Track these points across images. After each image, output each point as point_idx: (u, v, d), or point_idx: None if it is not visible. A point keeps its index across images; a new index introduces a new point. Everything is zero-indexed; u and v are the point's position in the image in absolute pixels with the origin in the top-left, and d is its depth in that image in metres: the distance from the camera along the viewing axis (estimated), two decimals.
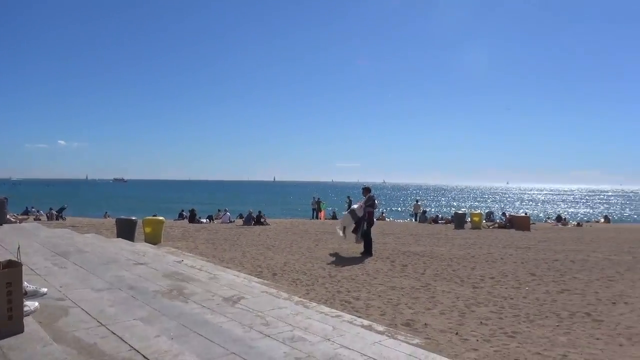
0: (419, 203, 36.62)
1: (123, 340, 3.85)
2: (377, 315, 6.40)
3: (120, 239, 12.43)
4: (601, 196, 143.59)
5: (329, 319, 5.77)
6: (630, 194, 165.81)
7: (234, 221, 25.25)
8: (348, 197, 31.30)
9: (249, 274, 9.07)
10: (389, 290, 8.06)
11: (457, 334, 5.62)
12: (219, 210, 29.89)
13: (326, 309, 6.39)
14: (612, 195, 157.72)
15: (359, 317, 6.15)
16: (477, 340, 5.37)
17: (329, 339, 4.62)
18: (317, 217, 31.01)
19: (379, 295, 7.63)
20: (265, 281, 8.46)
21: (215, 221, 25.90)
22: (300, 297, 7.18)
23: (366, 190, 12.96)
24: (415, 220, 31.86)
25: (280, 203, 73.47)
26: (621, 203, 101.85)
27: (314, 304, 6.71)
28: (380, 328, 5.61)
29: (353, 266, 10.47)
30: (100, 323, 4.28)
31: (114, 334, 4.00)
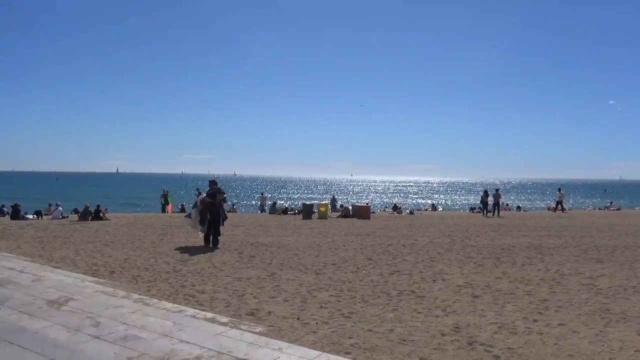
0: (264, 195, 37.27)
1: None
2: (222, 307, 6.34)
3: None
4: (431, 187, 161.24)
5: (171, 315, 5.58)
6: (454, 184, 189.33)
7: (67, 217, 22.85)
8: (197, 189, 30.46)
9: (83, 273, 8.33)
10: (235, 281, 8.05)
11: (298, 319, 5.83)
12: (49, 205, 26.77)
13: (168, 305, 6.17)
14: (439, 185, 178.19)
15: (203, 310, 6.05)
16: (317, 323, 5.64)
17: (167, 335, 4.45)
18: (165, 211, 29.62)
19: (225, 287, 7.57)
20: (102, 280, 7.83)
21: (45, 217, 23.18)
22: (140, 294, 6.80)
23: (212, 182, 13.07)
24: (263, 212, 32.35)
25: (124, 196, 68.54)
26: (447, 192, 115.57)
27: (155, 300, 6.42)
28: (224, 319, 5.59)
29: (200, 259, 10.23)
30: None
31: None
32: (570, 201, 61.81)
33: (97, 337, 4.18)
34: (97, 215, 20.97)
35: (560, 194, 32.33)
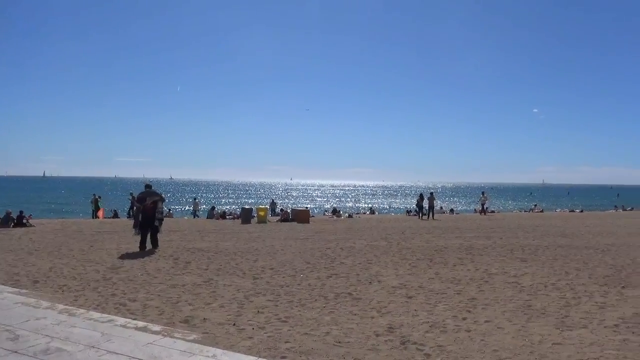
0: (197, 200, 36.56)
1: None
2: (155, 316, 6.14)
3: None
4: (369, 190, 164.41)
5: (99, 325, 5.34)
6: (392, 188, 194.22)
7: None
8: (131, 193, 29.48)
9: (2, 284, 7.81)
10: (169, 288, 7.82)
11: (234, 324, 5.75)
12: None
13: (96, 315, 5.90)
14: (377, 189, 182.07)
15: (134, 319, 5.83)
16: (253, 329, 5.59)
17: (93, 347, 4.26)
18: (95, 217, 28.30)
19: (159, 295, 7.34)
20: (23, 290, 7.37)
21: None
22: (66, 304, 6.46)
23: (145, 186, 13.21)
24: (196, 217, 31.76)
25: (51, 202, 64.76)
26: (384, 196, 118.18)
27: (83, 310, 6.13)
28: (157, 328, 5.42)
29: (132, 266, 9.85)
30: None
31: None
32: (500, 204, 65.20)
33: (15, 352, 3.92)
34: (20, 222, 19.67)
35: (484, 197, 33.97)
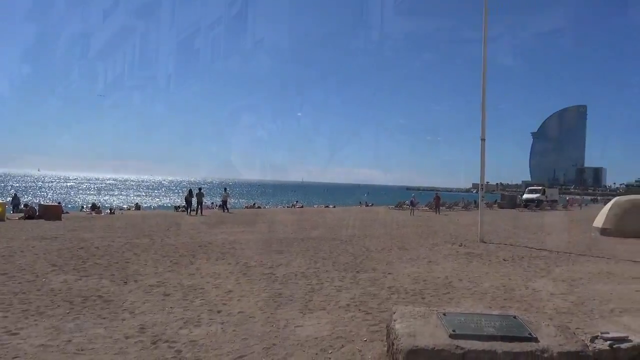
0: None
1: None
2: None
3: None
4: (136, 185, 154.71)
5: None
6: (159, 183, 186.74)
7: None
8: None
9: None
10: None
11: None
12: None
13: None
14: (145, 183, 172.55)
15: None
16: None
17: None
18: None
19: None
20: None
21: None
22: None
23: None
24: None
25: None
26: (152, 191, 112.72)
27: None
28: None
29: None
30: None
31: None
32: (265, 200, 69.08)
33: None
34: None
35: (225, 194, 34.89)
